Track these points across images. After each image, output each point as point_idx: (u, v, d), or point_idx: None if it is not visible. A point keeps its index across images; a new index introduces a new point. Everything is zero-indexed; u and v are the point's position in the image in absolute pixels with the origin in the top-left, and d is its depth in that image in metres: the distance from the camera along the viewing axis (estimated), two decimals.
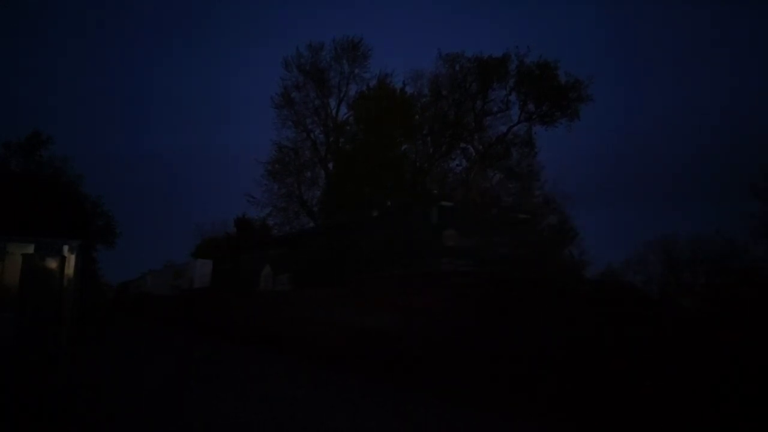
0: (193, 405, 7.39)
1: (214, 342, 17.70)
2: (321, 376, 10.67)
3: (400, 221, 13.79)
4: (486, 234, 12.14)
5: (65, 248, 12.65)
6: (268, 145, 29.62)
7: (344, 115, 28.51)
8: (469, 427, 6.58)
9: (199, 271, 30.21)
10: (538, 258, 12.74)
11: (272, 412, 6.97)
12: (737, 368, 5.15)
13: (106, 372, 10.58)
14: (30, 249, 12.31)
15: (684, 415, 5.38)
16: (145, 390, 8.53)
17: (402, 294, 9.59)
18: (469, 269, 11.23)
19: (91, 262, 32.25)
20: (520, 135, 26.25)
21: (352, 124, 28.25)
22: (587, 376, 6.31)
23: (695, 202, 48.32)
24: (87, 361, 12.01)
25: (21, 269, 12.11)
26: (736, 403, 5.09)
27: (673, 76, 78.55)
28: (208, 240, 45.33)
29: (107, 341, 18.13)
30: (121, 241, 32.80)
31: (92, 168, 74.85)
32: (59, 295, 12.49)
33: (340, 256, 15.29)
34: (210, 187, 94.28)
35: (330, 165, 28.12)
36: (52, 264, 12.51)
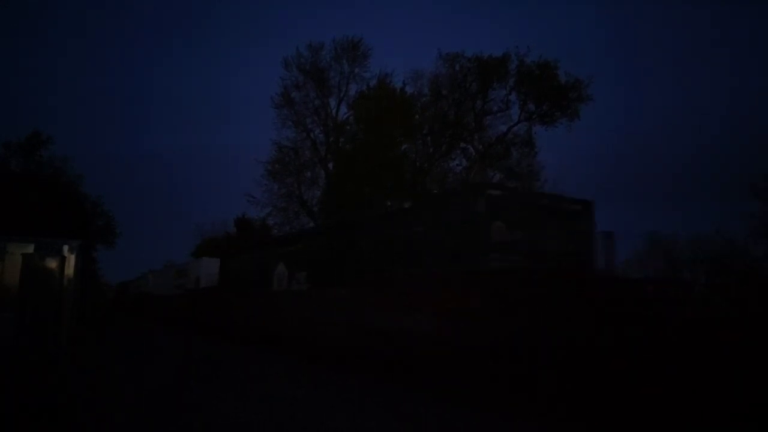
0: (193, 405, 7.39)
1: (232, 347, 16.42)
2: (355, 383, 9.74)
3: (438, 213, 12.57)
4: (536, 226, 11.13)
5: (65, 248, 12.65)
6: (268, 145, 29.65)
7: (344, 115, 28.50)
8: (469, 427, 6.57)
9: (206, 270, 29.02)
10: (591, 253, 11.59)
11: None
12: (737, 368, 5.14)
13: (106, 372, 10.59)
14: (30, 249, 12.31)
15: (684, 415, 5.38)
16: (145, 390, 8.53)
17: (445, 294, 8.75)
18: (522, 266, 10.25)
19: (91, 262, 32.23)
20: (520, 135, 26.24)
21: (352, 124, 28.22)
22: (587, 376, 6.31)
23: (695, 202, 48.31)
24: (87, 361, 12.01)
25: (21, 269, 12.10)
26: (735, 403, 5.08)
27: (673, 76, 78.71)
28: (209, 240, 45.36)
29: (107, 341, 18.13)
30: (121, 241, 32.91)
31: (92, 168, 74.98)
32: (59, 295, 12.49)
33: (359, 253, 14.57)
34: (210, 187, 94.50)
35: (330, 165, 28.09)
36: (52, 264, 12.50)
